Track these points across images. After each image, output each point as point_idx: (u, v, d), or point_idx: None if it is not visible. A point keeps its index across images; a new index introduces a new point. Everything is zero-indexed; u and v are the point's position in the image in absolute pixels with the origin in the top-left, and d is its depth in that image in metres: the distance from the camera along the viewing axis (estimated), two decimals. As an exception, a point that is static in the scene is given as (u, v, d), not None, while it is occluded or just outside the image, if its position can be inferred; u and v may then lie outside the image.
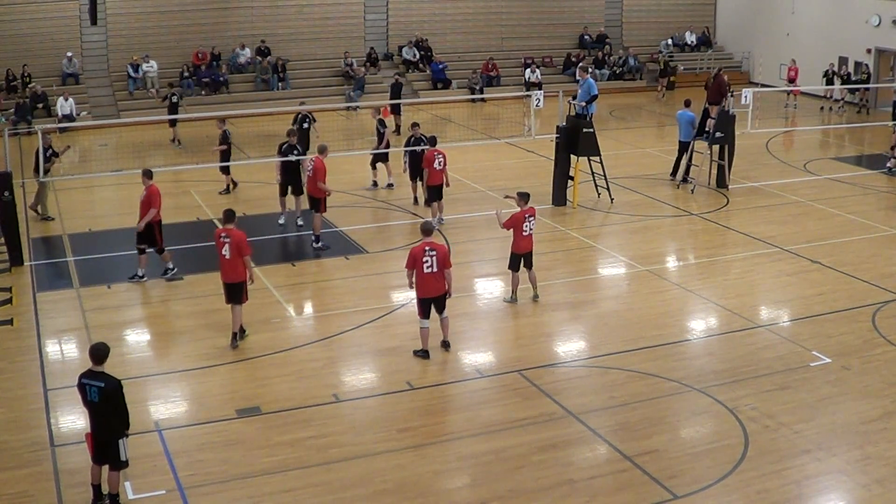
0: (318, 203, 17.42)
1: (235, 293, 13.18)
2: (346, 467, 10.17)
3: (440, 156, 18.45)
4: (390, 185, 21.78)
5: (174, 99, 28.07)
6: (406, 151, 20.03)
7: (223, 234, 13.09)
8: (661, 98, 35.90)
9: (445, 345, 13.10)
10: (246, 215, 18.74)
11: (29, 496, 9.60)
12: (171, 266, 15.92)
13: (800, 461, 10.24)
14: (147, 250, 15.67)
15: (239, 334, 13.29)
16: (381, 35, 36.61)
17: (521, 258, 14.65)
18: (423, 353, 12.85)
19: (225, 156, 21.04)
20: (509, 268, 14.79)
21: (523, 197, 14.65)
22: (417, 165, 19.41)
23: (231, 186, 21.52)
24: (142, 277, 15.69)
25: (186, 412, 11.57)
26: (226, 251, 13.01)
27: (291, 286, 15.99)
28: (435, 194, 18.65)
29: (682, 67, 37.76)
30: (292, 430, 10.95)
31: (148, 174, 15.61)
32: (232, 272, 13.10)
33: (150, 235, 15.57)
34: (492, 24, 37.81)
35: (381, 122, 21.61)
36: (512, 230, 14.52)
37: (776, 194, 21.40)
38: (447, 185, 18.87)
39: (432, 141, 18.95)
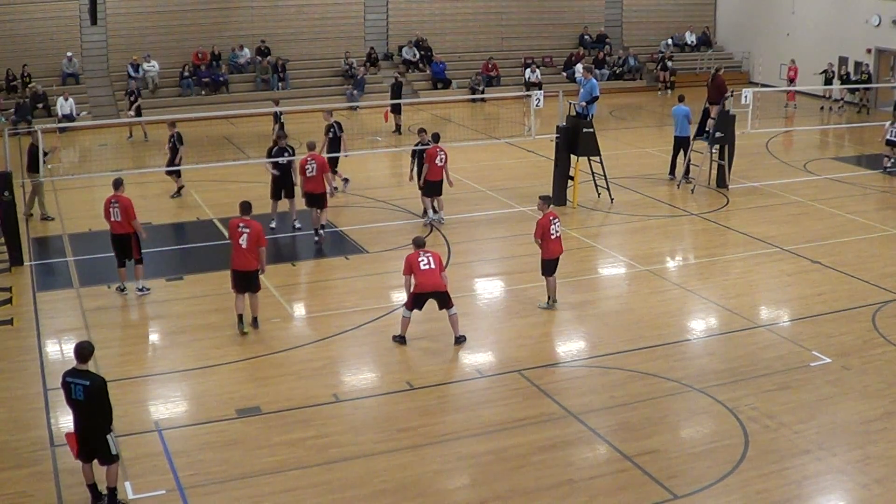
0: (321, 199, 17.52)
1: (251, 282, 13.57)
2: (346, 467, 10.17)
3: (442, 153, 18.51)
4: (335, 189, 20.90)
5: (131, 113, 28.37)
6: (414, 155, 19.71)
7: (241, 224, 13.40)
8: (663, 93, 36.03)
9: (458, 340, 13.25)
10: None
11: (29, 496, 9.59)
12: (121, 286, 15.27)
13: (800, 461, 10.24)
14: (126, 262, 15.17)
15: (255, 322, 13.77)
16: (381, 35, 36.61)
17: (553, 263, 14.37)
18: (401, 339, 13.20)
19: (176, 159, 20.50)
20: (543, 274, 14.51)
21: (546, 200, 14.48)
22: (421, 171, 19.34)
23: (180, 189, 21.12)
24: (124, 290, 15.27)
25: (186, 412, 11.57)
26: (243, 241, 13.35)
27: (291, 286, 16.00)
28: (433, 190, 18.67)
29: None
30: (292, 430, 10.95)
31: (113, 184, 15.17)
32: (248, 261, 13.44)
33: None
34: (492, 24, 37.81)
35: (338, 126, 20.90)
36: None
37: (776, 194, 21.40)
38: (450, 184, 18.88)
39: (435, 137, 18.93)
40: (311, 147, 17.92)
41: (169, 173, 20.95)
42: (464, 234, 18.42)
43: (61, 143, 26.99)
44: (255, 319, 13.82)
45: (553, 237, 14.22)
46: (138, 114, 27.85)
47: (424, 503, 9.62)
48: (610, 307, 15.06)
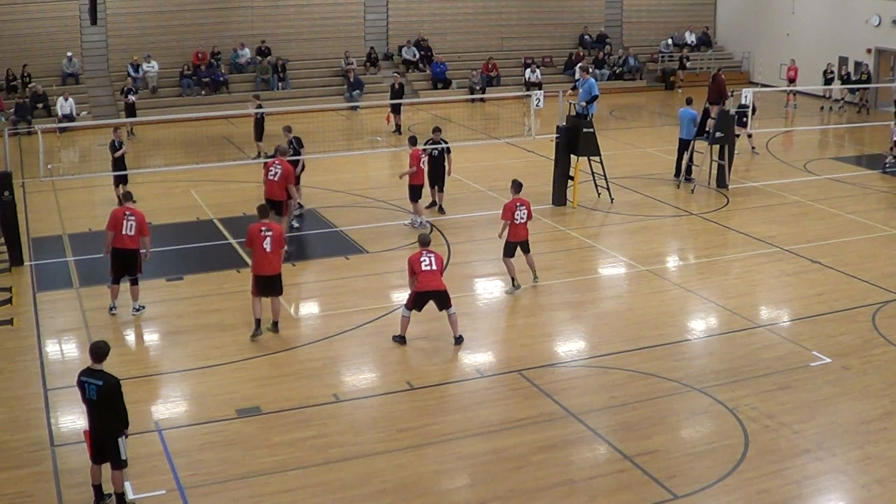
0: (280, 207, 17.07)
1: (275, 285, 13.52)
2: (346, 467, 10.17)
3: (426, 155, 18.71)
4: (300, 206, 19.69)
5: (131, 99, 28.32)
6: (426, 155, 19.52)
7: (264, 228, 13.32)
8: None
9: (458, 340, 13.27)
10: (245, 215, 18.80)
11: (29, 496, 9.59)
12: (113, 305, 14.44)
13: (800, 461, 10.24)
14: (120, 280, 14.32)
15: (275, 326, 13.70)
16: (381, 35, 36.61)
17: (516, 246, 15.10)
18: (401, 339, 13.26)
19: (119, 165, 19.92)
20: (504, 256, 15.12)
21: (515, 186, 15.15)
22: (436, 171, 19.34)
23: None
24: (114, 309, 14.47)
25: (186, 412, 11.56)
26: (267, 245, 13.27)
27: (291, 286, 15.94)
28: (418, 194, 18.75)
29: (686, 68, 37.79)
30: (292, 430, 10.95)
31: (125, 196, 14.61)
32: (273, 265, 13.39)
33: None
34: (492, 24, 37.81)
35: (297, 142, 19.10)
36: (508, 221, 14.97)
37: (776, 194, 21.40)
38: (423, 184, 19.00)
39: (412, 140, 19.04)
40: (282, 152, 17.32)
41: (121, 180, 19.95)
42: (464, 234, 18.42)
43: (61, 143, 27.06)
44: (275, 324, 13.66)
45: (517, 222, 14.94)
46: (132, 112, 27.83)
47: (424, 503, 9.62)
48: (610, 307, 15.06)
